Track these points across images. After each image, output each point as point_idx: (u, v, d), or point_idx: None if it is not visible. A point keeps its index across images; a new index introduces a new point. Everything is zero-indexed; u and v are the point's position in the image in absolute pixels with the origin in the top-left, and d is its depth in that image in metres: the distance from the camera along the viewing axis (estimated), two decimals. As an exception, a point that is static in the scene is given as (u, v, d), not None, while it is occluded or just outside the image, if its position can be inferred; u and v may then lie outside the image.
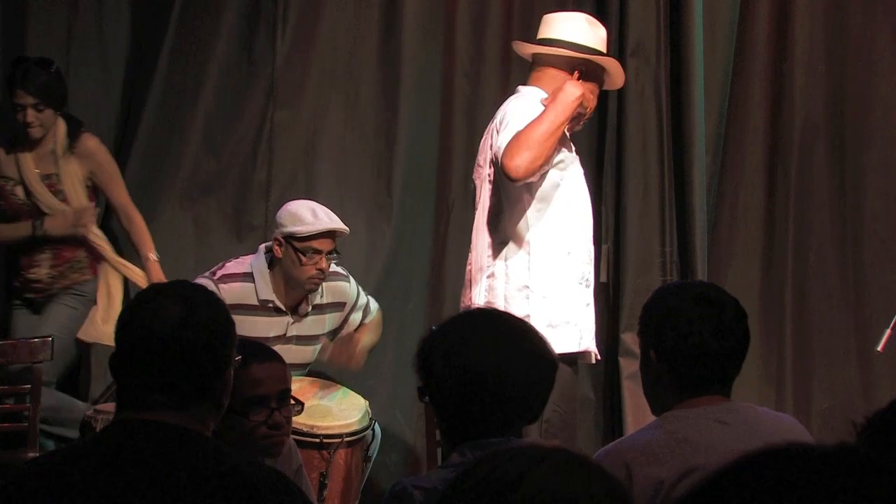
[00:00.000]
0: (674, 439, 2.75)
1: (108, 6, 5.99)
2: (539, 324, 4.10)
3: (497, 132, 4.34)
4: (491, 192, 4.44)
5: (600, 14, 6.08)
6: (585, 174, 4.62)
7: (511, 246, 4.38)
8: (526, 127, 4.21)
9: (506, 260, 4.37)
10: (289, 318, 4.86)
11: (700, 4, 6.01)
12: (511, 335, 2.66)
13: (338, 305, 5.04)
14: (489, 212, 4.44)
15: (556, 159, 4.35)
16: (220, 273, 4.83)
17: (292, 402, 3.41)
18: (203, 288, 2.52)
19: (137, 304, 2.42)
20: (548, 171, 4.33)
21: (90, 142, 5.47)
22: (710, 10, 6.06)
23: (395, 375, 5.87)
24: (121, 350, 2.38)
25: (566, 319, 4.35)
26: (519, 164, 4.14)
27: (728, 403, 2.86)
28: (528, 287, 4.33)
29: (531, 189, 4.34)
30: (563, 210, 4.39)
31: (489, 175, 4.44)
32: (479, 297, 4.42)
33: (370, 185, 6.04)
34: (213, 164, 5.98)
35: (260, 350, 3.41)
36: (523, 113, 4.30)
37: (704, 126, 6.04)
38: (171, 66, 5.94)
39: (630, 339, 5.85)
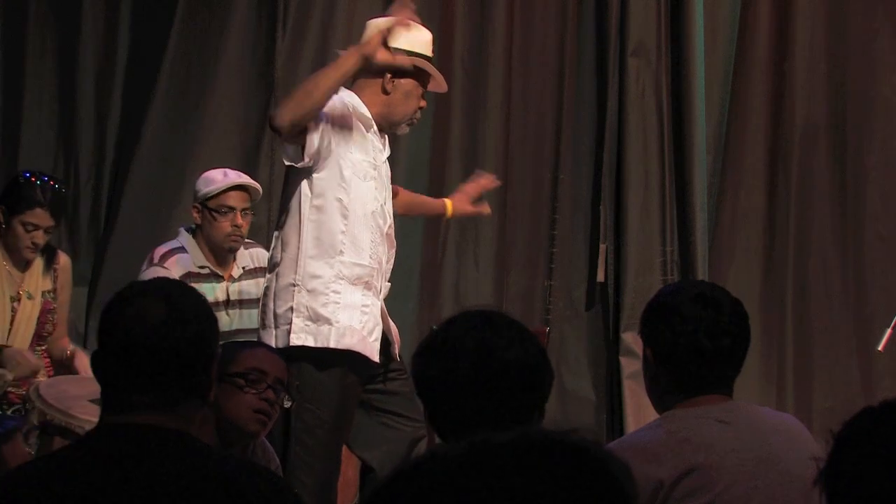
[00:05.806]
0: (674, 439, 2.74)
1: (110, 7, 5.99)
2: (300, 317, 4.07)
3: None
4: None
5: (600, 14, 6.09)
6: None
7: (288, 241, 4.18)
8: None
9: (283, 251, 4.19)
10: (227, 284, 4.91)
11: (700, 4, 6.01)
12: (505, 336, 2.63)
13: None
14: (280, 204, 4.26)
15: (358, 156, 4.10)
16: (157, 256, 4.87)
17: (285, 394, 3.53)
18: (181, 283, 2.49)
19: (119, 304, 2.33)
20: (329, 159, 4.06)
21: (65, 258, 4.96)
22: (710, 10, 6.07)
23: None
24: (104, 351, 2.31)
25: (326, 317, 4.12)
26: (282, 112, 3.86)
27: (729, 403, 2.84)
28: (294, 284, 4.14)
29: (311, 180, 4.08)
30: (346, 207, 4.12)
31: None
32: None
33: (370, 184, 6.04)
34: (216, 164, 5.98)
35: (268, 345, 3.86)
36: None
37: (705, 126, 6.04)
38: (174, 66, 5.94)
39: (630, 339, 5.85)
